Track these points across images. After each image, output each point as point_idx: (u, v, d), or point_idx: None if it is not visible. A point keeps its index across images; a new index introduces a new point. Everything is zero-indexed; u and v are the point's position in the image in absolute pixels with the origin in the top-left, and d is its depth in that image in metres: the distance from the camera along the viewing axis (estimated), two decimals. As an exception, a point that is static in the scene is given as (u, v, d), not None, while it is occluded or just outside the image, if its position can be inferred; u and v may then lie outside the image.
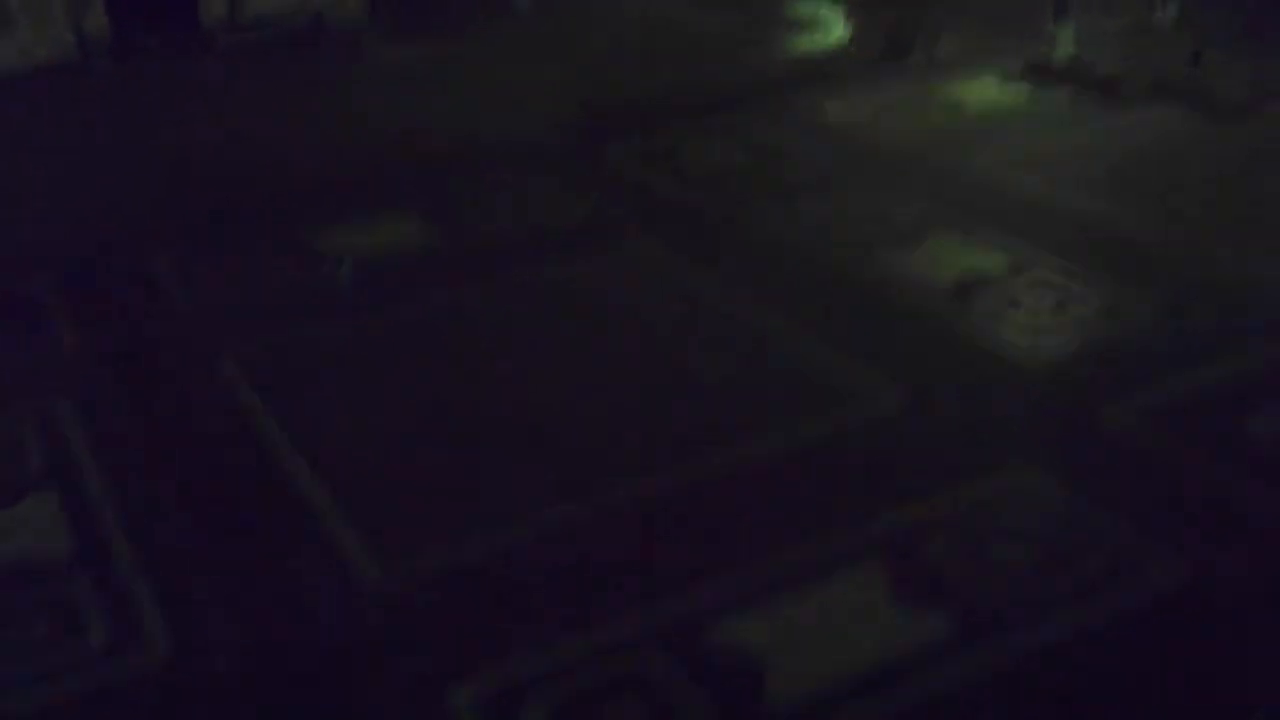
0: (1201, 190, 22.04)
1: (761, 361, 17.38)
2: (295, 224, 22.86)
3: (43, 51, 32.20)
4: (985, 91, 29.16)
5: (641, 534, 14.16)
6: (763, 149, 26.63)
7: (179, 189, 25.30)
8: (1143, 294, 19.42)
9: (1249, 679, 10.93)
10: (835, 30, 34.33)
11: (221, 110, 28.96)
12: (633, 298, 19.76)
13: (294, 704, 12.41)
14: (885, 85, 29.60)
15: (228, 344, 19.61)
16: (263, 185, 25.14)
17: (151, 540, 14.63)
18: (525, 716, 11.51)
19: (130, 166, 26.52)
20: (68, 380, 18.91)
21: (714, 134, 27.67)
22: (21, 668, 12.90)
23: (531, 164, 26.21)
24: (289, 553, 14.61)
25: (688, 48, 32.61)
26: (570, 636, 11.98)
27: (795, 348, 17.51)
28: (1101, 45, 29.57)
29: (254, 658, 12.98)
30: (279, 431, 17.11)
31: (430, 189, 24.70)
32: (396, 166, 26.01)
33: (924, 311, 18.46)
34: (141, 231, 22.96)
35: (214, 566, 14.68)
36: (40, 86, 31.52)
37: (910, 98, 28.37)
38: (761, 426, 15.34)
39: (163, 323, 20.93)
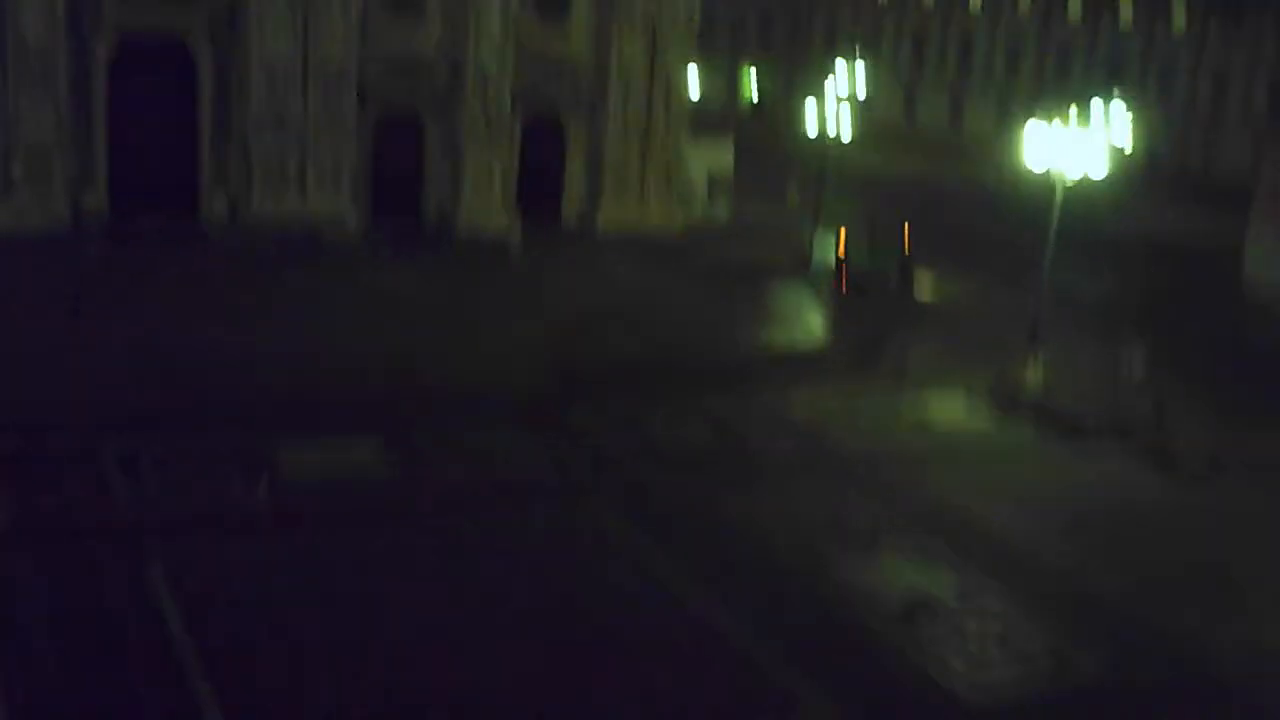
0: (1160, 547, 22.04)
1: (698, 666, 16.49)
2: (253, 433, 22.16)
3: (37, 221, 32.23)
4: (950, 410, 28.57)
5: None
6: (728, 433, 25.84)
7: (146, 378, 24.63)
8: (1093, 642, 18.61)
9: None
10: (812, 326, 35.18)
11: (206, 311, 28.70)
12: (575, 575, 18.75)
13: None
14: (854, 388, 29.23)
15: (157, 547, 18.68)
16: (230, 390, 24.50)
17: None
18: None
19: (101, 348, 25.89)
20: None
21: (684, 410, 26.63)
22: None
23: (498, 412, 25.24)
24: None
25: (670, 321, 33.03)
26: None
27: (736, 656, 16.75)
28: (1070, 382, 29.53)
29: None
30: (192, 651, 15.88)
31: (395, 420, 24.00)
32: (366, 391, 25.39)
33: (870, 631, 18.01)
34: (99, 416, 22.28)
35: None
36: (32, 254, 30.96)
37: (877, 404, 28.34)
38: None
39: (98, 513, 19.84)
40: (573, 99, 39.56)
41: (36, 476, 19.38)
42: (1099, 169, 28.55)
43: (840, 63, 44.72)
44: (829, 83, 41.85)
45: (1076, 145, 28.03)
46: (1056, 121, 28.12)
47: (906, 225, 37.54)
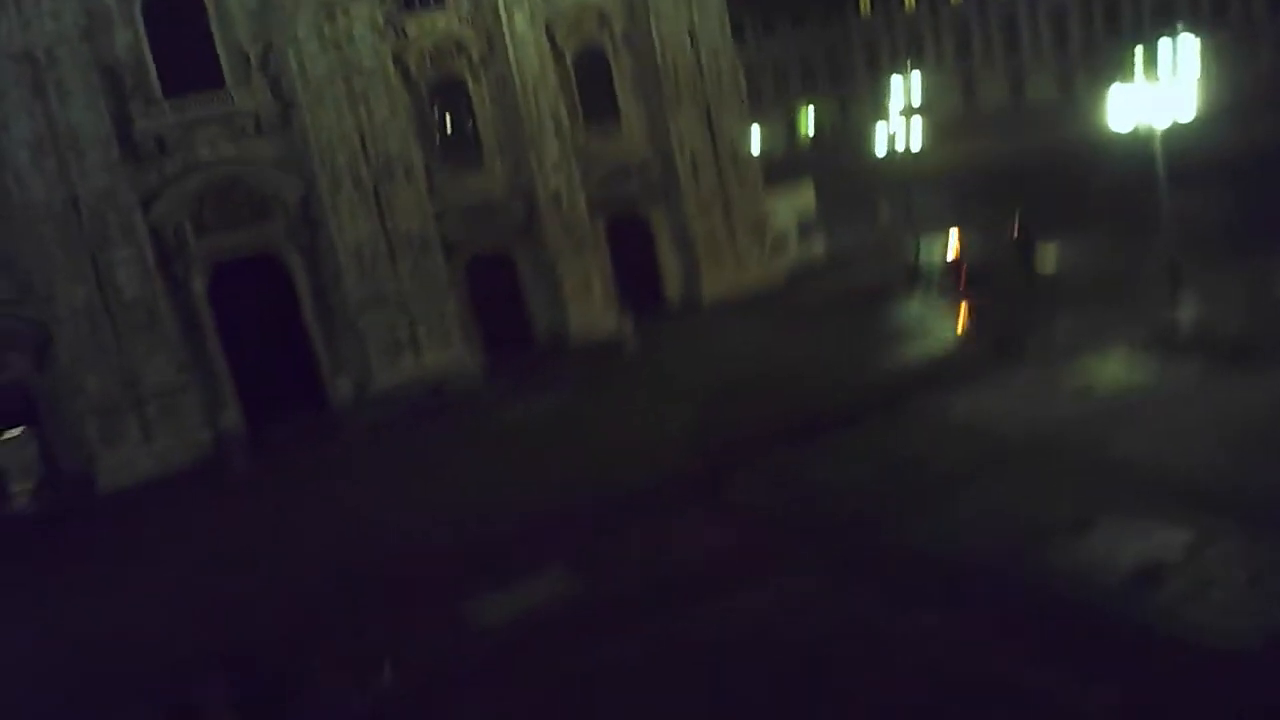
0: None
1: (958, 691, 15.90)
2: (439, 601, 21.95)
3: (181, 457, 33.13)
4: (1113, 369, 27.54)
5: None
6: (894, 458, 25.08)
7: (311, 591, 24.22)
8: None
9: None
10: (943, 332, 33.74)
11: (351, 500, 28.74)
12: (802, 637, 18.22)
13: None
14: (1007, 379, 28.33)
15: None
16: (389, 572, 23.91)
17: None
18: None
19: (264, 569, 25.67)
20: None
21: (840, 450, 26.10)
22: None
23: (663, 506, 24.92)
24: None
25: (799, 369, 32.50)
26: None
27: (989, 675, 16.00)
28: (1227, 308, 28.43)
29: None
30: None
31: (569, 543, 23.71)
32: (532, 523, 25.15)
33: (1111, 602, 17.14)
34: (289, 635, 21.86)
35: None
36: (179, 492, 31.88)
37: (1036, 387, 27.41)
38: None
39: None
40: (647, 190, 40.14)
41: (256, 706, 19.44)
42: (1186, 112, 27.76)
43: (896, 79, 44.67)
44: (891, 99, 41.78)
45: (1159, 97, 27.31)
46: (1137, 80, 27.47)
47: (1017, 214, 36.96)
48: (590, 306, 38.49)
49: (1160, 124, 27.52)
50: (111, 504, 31.58)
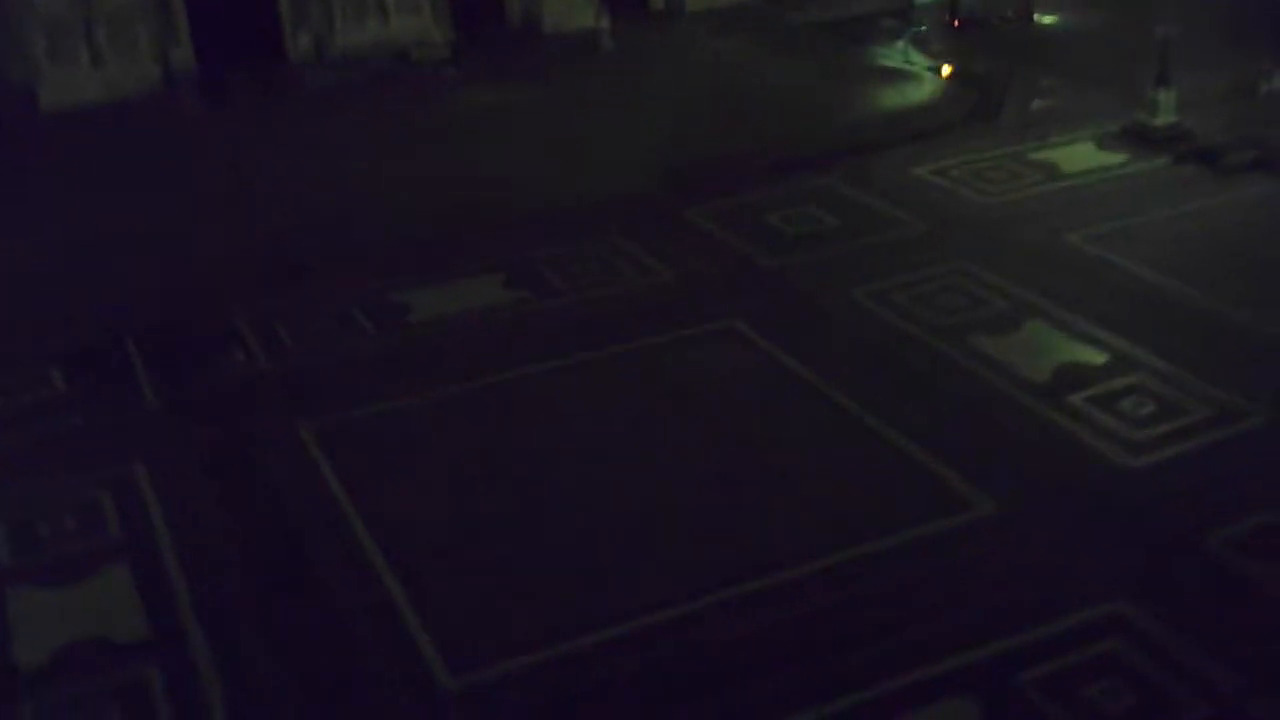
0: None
1: (854, 462, 16.33)
2: (373, 283, 22.01)
3: (129, 84, 32.03)
4: (1081, 157, 26.88)
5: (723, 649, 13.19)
6: (850, 212, 24.77)
7: (258, 241, 24.46)
8: (1253, 404, 17.12)
9: None
10: (921, 84, 32.74)
11: (302, 160, 28.40)
12: (724, 381, 18.57)
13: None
14: (976, 146, 27.72)
15: (307, 414, 18.47)
16: (339, 242, 24.10)
17: (220, 633, 13.84)
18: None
19: (210, 213, 25.80)
20: (147, 443, 17.92)
21: (801, 196, 25.67)
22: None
23: (613, 226, 24.46)
24: (368, 652, 13.59)
25: (770, 99, 31.59)
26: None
27: (885, 448, 16.33)
28: (1204, 111, 27.59)
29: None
30: (358, 520, 15.56)
31: (513, 251, 23.37)
32: (477, 226, 24.66)
33: (1020, 412, 17.09)
34: (223, 284, 22.21)
35: (287, 667, 13.37)
36: (127, 119, 31.10)
37: (1003, 161, 26.85)
38: (846, 538, 14.56)
39: (242, 385, 19.59)
40: None
41: (178, 352, 19.76)
42: None
43: None
44: None
45: None
46: None
47: None
48: (569, -4, 36.83)
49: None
50: (52, 122, 30.79)
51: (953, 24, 35.97)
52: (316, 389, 18.62)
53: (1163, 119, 26.69)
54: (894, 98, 30.79)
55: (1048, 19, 35.60)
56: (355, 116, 30.68)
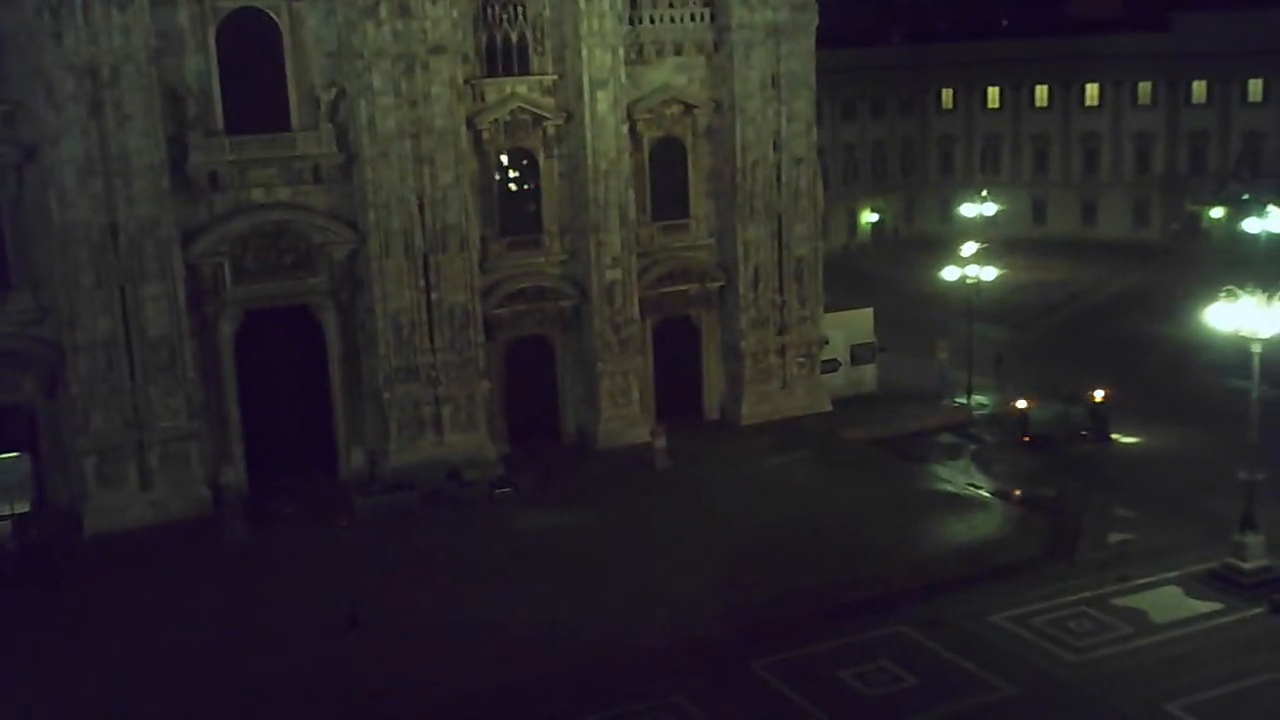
0: None
1: None
2: None
3: (178, 506, 31.31)
4: (1169, 604, 25.18)
5: None
6: (928, 668, 22.98)
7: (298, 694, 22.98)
8: None
9: None
10: (989, 513, 30.88)
11: (351, 598, 26.04)
12: None
13: None
14: (1054, 588, 26.03)
15: None
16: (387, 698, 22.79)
17: None
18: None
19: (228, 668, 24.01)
20: None
21: (874, 646, 23.87)
22: None
23: (671, 680, 22.84)
24: None
25: (831, 528, 30.11)
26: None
27: None
28: None
29: None
30: None
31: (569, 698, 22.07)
32: (537, 682, 22.97)
33: None
34: None
35: None
36: (170, 551, 29.72)
37: (1086, 607, 25.20)
38: None
39: None
40: (702, 295, 38.25)
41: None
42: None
43: (967, 208, 43.21)
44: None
45: (1268, 314, 25.18)
46: (1244, 297, 25.25)
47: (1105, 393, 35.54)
48: (625, 411, 36.65)
49: (1264, 334, 25.14)
50: (94, 549, 29.87)
51: (1023, 439, 35.54)
52: None
53: (1252, 563, 25.41)
54: (960, 529, 29.46)
55: (1127, 439, 35.00)
56: (409, 547, 29.56)
